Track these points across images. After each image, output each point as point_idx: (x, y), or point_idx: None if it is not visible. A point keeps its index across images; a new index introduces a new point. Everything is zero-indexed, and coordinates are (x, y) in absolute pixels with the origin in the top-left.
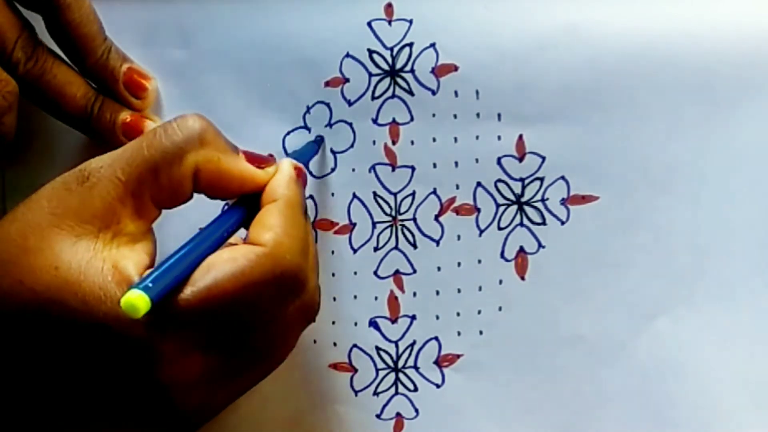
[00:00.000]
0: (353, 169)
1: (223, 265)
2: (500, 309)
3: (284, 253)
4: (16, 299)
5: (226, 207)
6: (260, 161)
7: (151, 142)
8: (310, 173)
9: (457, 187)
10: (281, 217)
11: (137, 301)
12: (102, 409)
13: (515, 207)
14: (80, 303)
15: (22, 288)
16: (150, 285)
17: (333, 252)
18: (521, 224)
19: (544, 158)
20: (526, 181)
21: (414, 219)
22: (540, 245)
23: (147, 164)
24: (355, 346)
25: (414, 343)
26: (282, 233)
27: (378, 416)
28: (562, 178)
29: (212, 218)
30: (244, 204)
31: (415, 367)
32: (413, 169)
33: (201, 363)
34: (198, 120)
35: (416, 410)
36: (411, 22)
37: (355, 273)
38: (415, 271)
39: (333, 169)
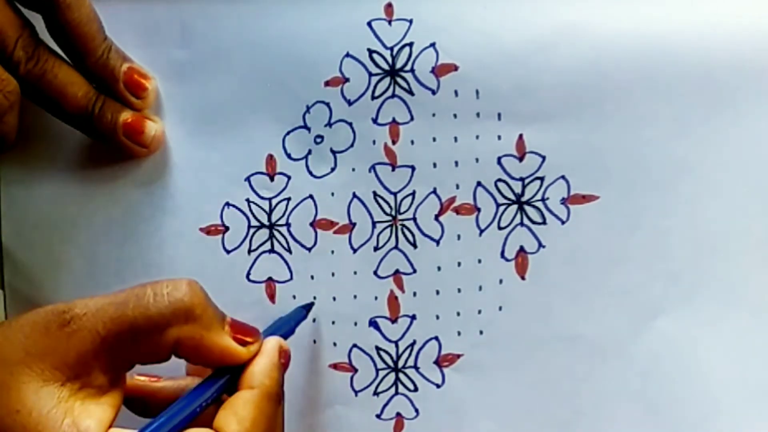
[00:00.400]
0: (353, 169)
1: None
2: (500, 309)
3: None
4: None
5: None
6: (246, 335)
7: (138, 305)
8: (310, 173)
9: (457, 186)
10: (254, 410)
11: None
12: None
13: (515, 207)
14: None
15: None
16: None
17: (333, 252)
18: (521, 224)
19: (544, 158)
20: (527, 181)
21: (414, 219)
22: (540, 245)
23: (129, 326)
24: (355, 346)
25: (414, 343)
26: (249, 427)
27: (378, 416)
28: (563, 177)
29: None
30: (225, 373)
31: (415, 367)
32: (413, 168)
33: None
34: (189, 292)
35: (416, 410)
36: (411, 22)
37: (355, 273)
38: (415, 271)
39: (333, 169)
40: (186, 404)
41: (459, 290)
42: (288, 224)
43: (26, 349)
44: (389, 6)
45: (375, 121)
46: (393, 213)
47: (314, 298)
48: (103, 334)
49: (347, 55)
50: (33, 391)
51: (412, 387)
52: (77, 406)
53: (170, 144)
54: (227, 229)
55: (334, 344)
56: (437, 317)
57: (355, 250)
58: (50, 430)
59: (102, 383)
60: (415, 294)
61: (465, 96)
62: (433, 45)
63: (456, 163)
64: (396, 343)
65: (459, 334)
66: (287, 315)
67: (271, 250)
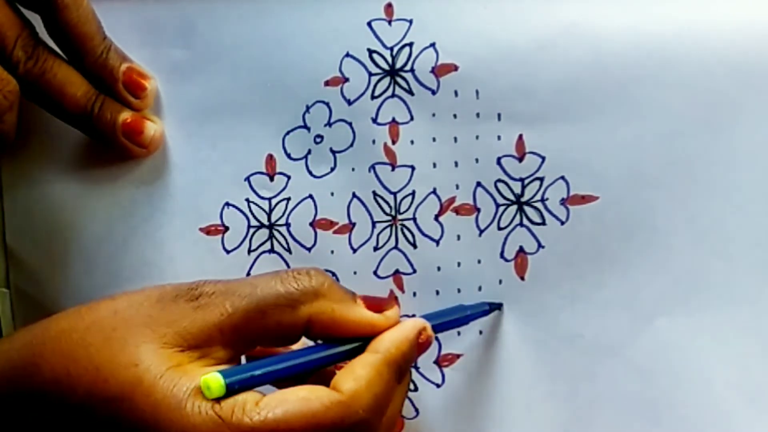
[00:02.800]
0: (353, 169)
1: (296, 402)
2: (500, 309)
3: (359, 407)
4: (87, 384)
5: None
6: (380, 304)
7: (267, 285)
8: (310, 173)
9: (457, 186)
10: (372, 372)
11: (212, 382)
12: None
13: (515, 207)
14: (150, 406)
15: (97, 375)
16: (229, 373)
17: (332, 252)
18: (521, 224)
19: (543, 158)
20: (526, 181)
21: (414, 219)
22: (540, 245)
23: (257, 304)
24: None
25: None
26: (364, 387)
27: None
28: (562, 178)
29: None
30: (357, 341)
31: (415, 367)
32: (413, 168)
33: None
34: (315, 274)
35: (416, 410)
36: (411, 22)
37: (355, 273)
38: (415, 271)
39: (332, 169)
40: (313, 352)
41: (459, 290)
42: (288, 224)
43: (150, 314)
44: (389, 6)
45: (375, 120)
46: (393, 213)
47: None
48: (230, 311)
49: (347, 54)
50: (152, 350)
51: (412, 387)
52: (195, 369)
53: (170, 144)
54: (227, 229)
55: None
56: None
57: (354, 250)
58: (168, 383)
59: (221, 357)
60: (415, 294)
61: (465, 96)
62: (433, 45)
63: (456, 163)
64: None
65: (459, 334)
66: (471, 305)
67: (271, 250)
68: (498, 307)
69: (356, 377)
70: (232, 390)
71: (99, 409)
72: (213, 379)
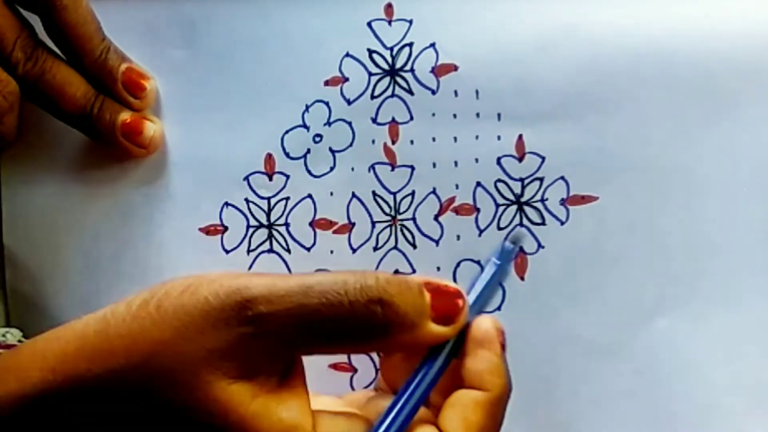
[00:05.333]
0: (352, 169)
1: None
2: (500, 309)
3: None
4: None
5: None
6: (449, 310)
7: (338, 324)
8: (309, 173)
9: (457, 186)
10: (484, 415)
11: None
12: None
13: (515, 207)
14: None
15: (177, 417)
16: None
17: (332, 251)
18: (521, 224)
19: (543, 158)
20: (526, 182)
21: (413, 219)
22: (539, 245)
23: (326, 339)
24: None
25: None
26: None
27: None
28: (562, 178)
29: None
30: (436, 354)
31: None
32: (413, 168)
33: None
34: (379, 291)
35: None
36: (411, 22)
37: None
38: (414, 271)
39: (332, 168)
40: (415, 390)
41: None
42: (287, 224)
43: (206, 347)
44: (389, 6)
45: (374, 120)
46: (392, 213)
47: None
48: (296, 344)
49: (347, 54)
50: (221, 389)
51: None
52: (273, 399)
53: (169, 144)
54: (226, 228)
55: None
56: None
57: (354, 250)
58: (255, 428)
59: (286, 370)
60: None
61: (465, 96)
62: (432, 45)
63: (456, 163)
64: None
65: None
66: (482, 270)
67: (270, 250)
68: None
69: (469, 425)
70: None
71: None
72: None
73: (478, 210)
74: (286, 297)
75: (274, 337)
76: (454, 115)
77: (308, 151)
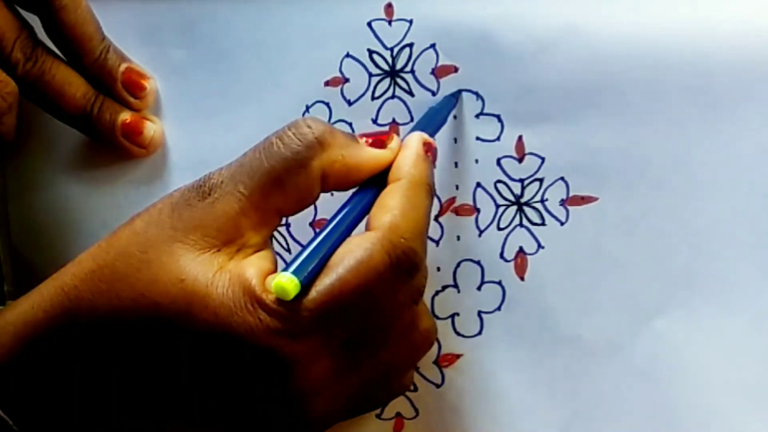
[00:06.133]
0: None
1: (342, 260)
2: (500, 309)
3: (400, 235)
4: (136, 313)
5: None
6: (382, 139)
7: (271, 154)
8: None
9: (457, 187)
10: (402, 198)
11: (287, 284)
12: (231, 420)
13: (515, 207)
14: (211, 315)
15: (145, 301)
16: (298, 269)
17: None
18: (521, 225)
19: (543, 159)
20: (526, 182)
21: None
22: (539, 246)
23: (269, 176)
24: None
25: None
26: (399, 215)
27: (378, 416)
28: (562, 179)
29: None
30: (374, 184)
31: (415, 367)
32: None
33: (328, 366)
34: (314, 124)
35: (416, 410)
36: (411, 22)
37: None
38: None
39: None
40: (347, 214)
41: (459, 290)
42: (287, 224)
43: (173, 226)
44: (389, 6)
45: (375, 121)
46: None
47: None
48: (246, 192)
49: (347, 55)
50: (191, 259)
51: (412, 387)
52: (239, 265)
53: (170, 144)
54: None
55: None
56: (437, 317)
57: None
58: (220, 288)
59: (256, 242)
60: None
61: (465, 97)
62: (433, 46)
63: (456, 163)
64: None
65: (459, 334)
66: (437, 104)
67: None
68: (458, 93)
69: (389, 209)
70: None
71: (157, 334)
72: (288, 282)
73: (478, 210)
74: (229, 166)
75: (229, 197)
76: (454, 116)
77: None
